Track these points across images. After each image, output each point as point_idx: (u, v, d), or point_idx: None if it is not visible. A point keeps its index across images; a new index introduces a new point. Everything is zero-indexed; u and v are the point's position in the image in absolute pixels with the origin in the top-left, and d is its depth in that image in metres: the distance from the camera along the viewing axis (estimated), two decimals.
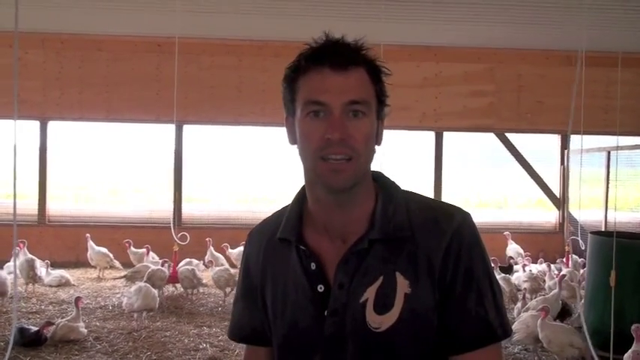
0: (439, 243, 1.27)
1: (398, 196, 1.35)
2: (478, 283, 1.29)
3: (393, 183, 1.39)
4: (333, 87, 1.23)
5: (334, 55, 1.24)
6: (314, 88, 1.25)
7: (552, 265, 8.09)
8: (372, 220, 1.30)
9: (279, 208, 1.46)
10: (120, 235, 8.88)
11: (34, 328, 5.60)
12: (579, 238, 6.14)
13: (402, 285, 1.26)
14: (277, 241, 1.38)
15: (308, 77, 1.26)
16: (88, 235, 8.51)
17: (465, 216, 1.33)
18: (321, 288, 1.30)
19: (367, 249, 1.28)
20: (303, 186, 1.39)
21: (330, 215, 1.32)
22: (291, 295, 1.34)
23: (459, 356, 1.29)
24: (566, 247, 8.56)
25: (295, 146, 1.32)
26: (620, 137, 8.08)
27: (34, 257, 7.55)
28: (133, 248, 8.40)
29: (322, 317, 1.29)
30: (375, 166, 1.37)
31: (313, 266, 1.31)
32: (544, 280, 7.37)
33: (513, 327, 5.85)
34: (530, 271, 7.73)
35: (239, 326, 1.50)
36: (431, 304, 1.27)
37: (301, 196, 1.40)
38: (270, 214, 1.48)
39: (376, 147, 1.32)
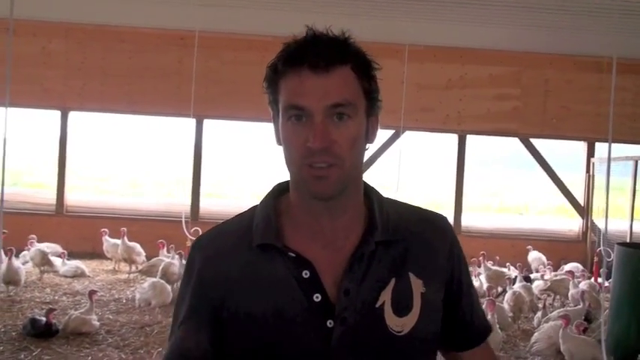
0: (442, 244, 1.32)
1: (384, 200, 1.33)
2: (472, 285, 1.42)
3: (375, 188, 1.35)
4: (313, 90, 1.15)
5: (314, 54, 1.15)
6: (293, 91, 1.17)
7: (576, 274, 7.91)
8: (372, 223, 1.26)
9: (237, 214, 1.33)
10: (137, 227, 8.81)
11: (45, 319, 5.56)
12: (605, 248, 6.05)
13: (417, 285, 1.26)
14: (254, 249, 1.24)
15: (287, 79, 1.19)
16: (105, 229, 8.45)
17: (449, 221, 1.39)
18: (317, 297, 1.21)
19: (373, 252, 1.23)
20: (274, 188, 1.33)
21: (320, 221, 1.24)
22: (281, 307, 1.21)
23: (468, 352, 1.40)
24: (595, 258, 8.33)
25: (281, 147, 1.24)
26: None
27: (47, 248, 7.54)
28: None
29: (325, 328, 1.20)
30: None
31: (306, 274, 1.21)
32: (567, 288, 7.21)
33: (534, 337, 5.72)
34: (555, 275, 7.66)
35: (186, 349, 1.24)
36: (440, 302, 1.30)
37: (273, 199, 1.30)
38: (223, 222, 1.34)
39: (368, 145, 1.27)
